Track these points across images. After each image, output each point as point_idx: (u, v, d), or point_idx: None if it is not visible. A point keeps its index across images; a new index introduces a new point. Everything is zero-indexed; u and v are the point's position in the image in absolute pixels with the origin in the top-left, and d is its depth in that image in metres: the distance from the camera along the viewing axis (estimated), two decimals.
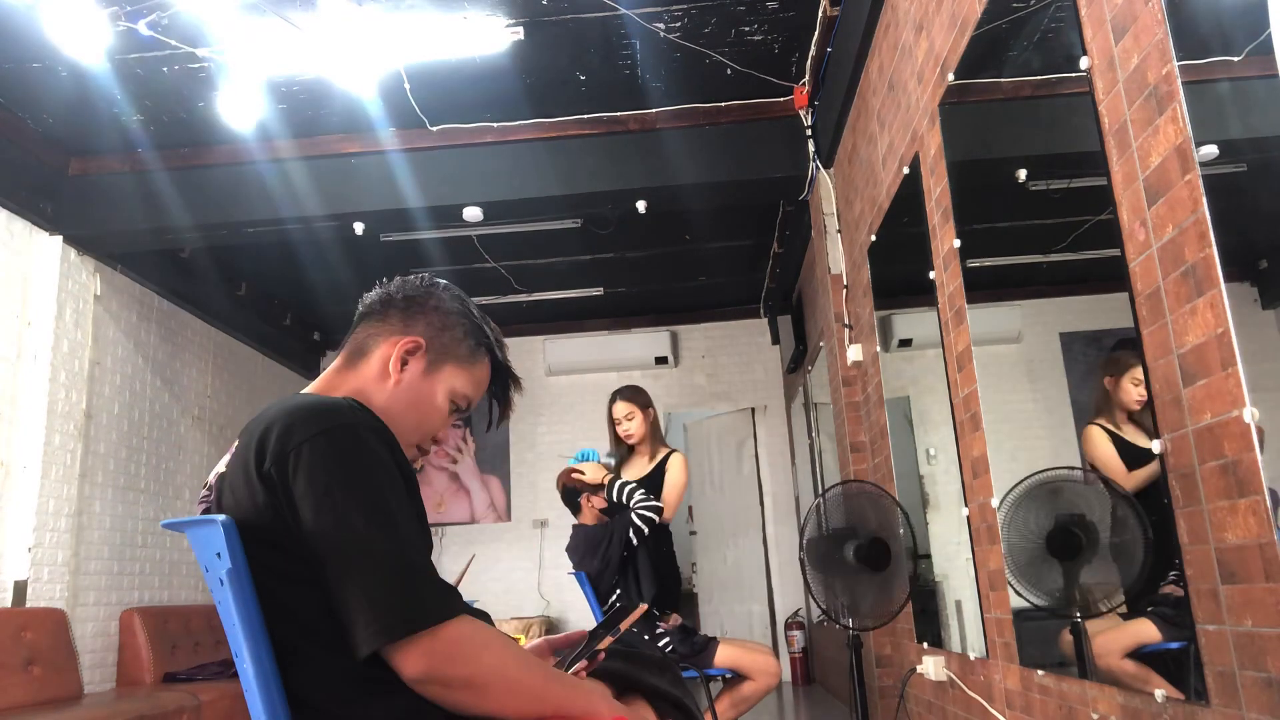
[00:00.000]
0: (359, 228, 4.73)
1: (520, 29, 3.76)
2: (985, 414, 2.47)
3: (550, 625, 6.88)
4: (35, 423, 4.37)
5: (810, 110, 4.47)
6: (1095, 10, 1.74)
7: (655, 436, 3.66)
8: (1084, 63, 1.79)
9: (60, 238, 4.59)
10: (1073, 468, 1.97)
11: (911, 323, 3.32)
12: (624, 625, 1.29)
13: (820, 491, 2.89)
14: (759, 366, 7.54)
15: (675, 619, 3.31)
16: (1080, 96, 1.81)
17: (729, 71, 4.20)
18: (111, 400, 4.99)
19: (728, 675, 3.29)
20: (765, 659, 3.20)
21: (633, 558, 3.37)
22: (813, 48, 4.06)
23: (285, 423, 1.07)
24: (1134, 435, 1.77)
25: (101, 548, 4.82)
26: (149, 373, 5.36)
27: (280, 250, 5.49)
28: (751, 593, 7.14)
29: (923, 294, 2.92)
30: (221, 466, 1.17)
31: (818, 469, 5.90)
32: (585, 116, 4.56)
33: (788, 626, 6.80)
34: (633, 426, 3.60)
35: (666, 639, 3.23)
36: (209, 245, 5.18)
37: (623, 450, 3.68)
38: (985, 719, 2.64)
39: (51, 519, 4.40)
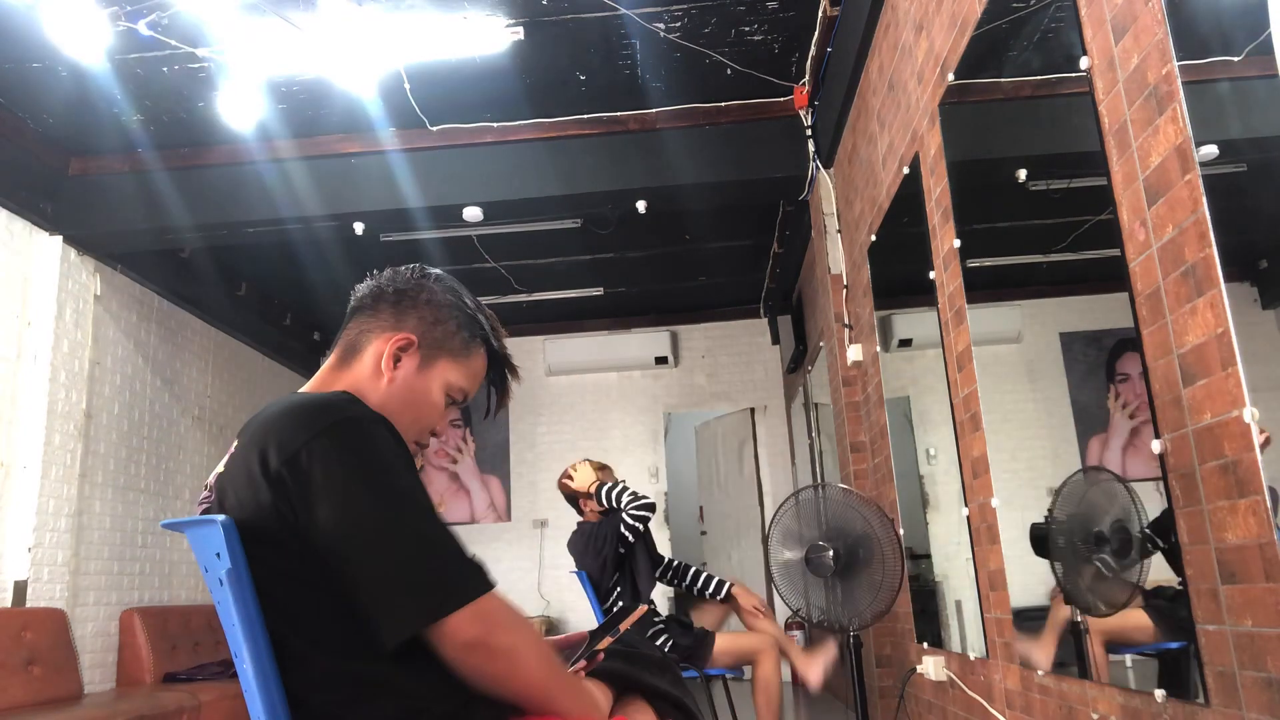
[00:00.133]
0: (359, 228, 4.73)
1: (520, 29, 3.76)
2: (985, 414, 2.47)
3: (550, 625, 6.88)
4: (35, 423, 4.37)
5: (810, 110, 4.46)
6: (1095, 10, 1.74)
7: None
8: (1084, 63, 1.79)
9: (60, 238, 4.59)
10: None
11: (911, 323, 3.32)
12: (624, 626, 1.29)
13: (779, 505, 2.91)
14: (759, 366, 7.54)
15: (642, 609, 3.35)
16: (1080, 96, 1.81)
17: (729, 71, 4.20)
18: (111, 400, 4.99)
19: (729, 675, 3.31)
20: (757, 637, 3.26)
21: (629, 557, 3.39)
22: (813, 48, 4.06)
23: (288, 422, 1.07)
24: None
25: (101, 548, 4.81)
26: (149, 373, 5.36)
27: (280, 250, 5.49)
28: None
29: (923, 294, 2.92)
30: (220, 467, 1.17)
31: (818, 469, 5.90)
32: (585, 116, 4.56)
33: (788, 626, 6.80)
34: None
35: (666, 634, 3.25)
36: (209, 245, 5.18)
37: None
38: (985, 719, 2.64)
39: (51, 519, 4.40)
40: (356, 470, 1.04)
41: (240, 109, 4.17)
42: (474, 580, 1.06)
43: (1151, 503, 1.68)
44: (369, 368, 1.25)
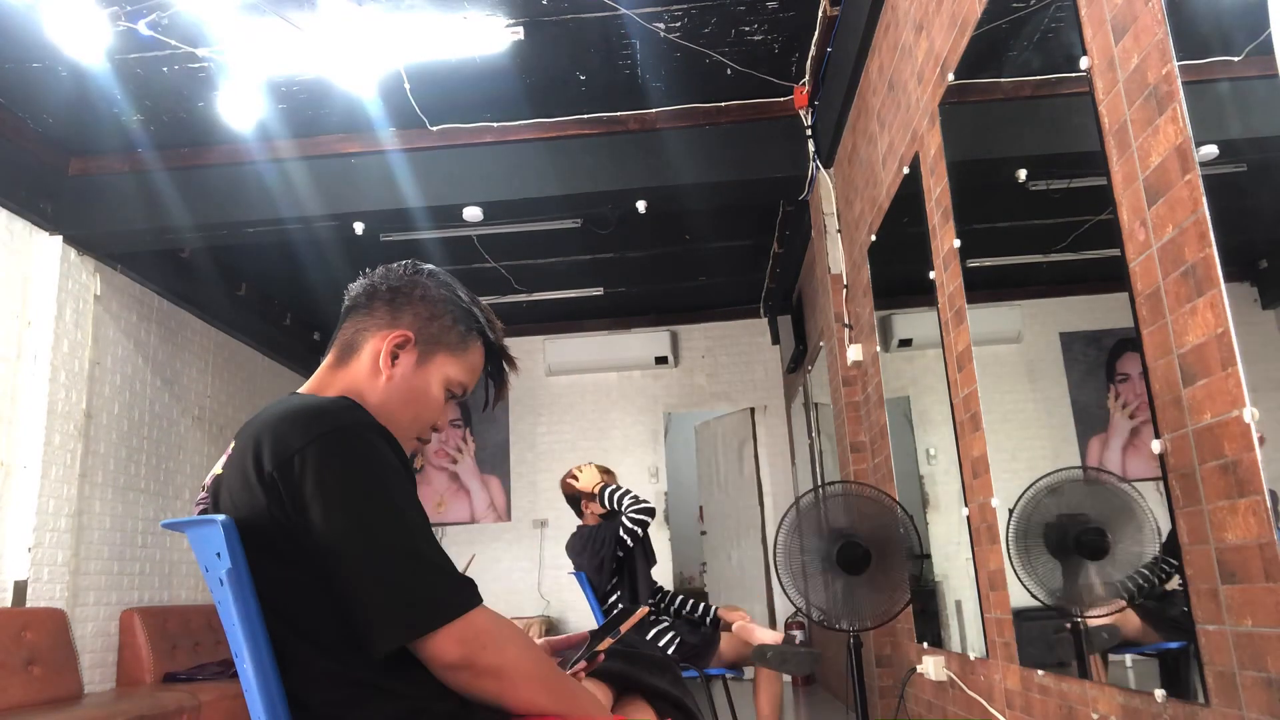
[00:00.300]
0: (359, 228, 4.73)
1: (520, 29, 3.76)
2: (985, 414, 2.47)
3: (550, 625, 6.88)
4: (35, 423, 4.37)
5: (810, 110, 4.47)
6: (1095, 10, 1.74)
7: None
8: (1084, 63, 1.79)
9: (60, 238, 4.59)
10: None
11: (911, 323, 3.32)
12: (624, 628, 1.30)
13: (795, 499, 2.89)
14: (759, 366, 7.54)
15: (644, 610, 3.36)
16: (1080, 96, 1.81)
17: (729, 71, 4.20)
18: (111, 400, 4.99)
19: (729, 675, 3.31)
20: (758, 636, 3.27)
21: (628, 560, 3.41)
22: (813, 48, 4.06)
23: (284, 426, 1.07)
24: None
25: (101, 548, 4.81)
26: (149, 373, 5.36)
27: (280, 250, 5.48)
28: (752, 592, 7.15)
29: (923, 294, 2.92)
30: (218, 469, 1.17)
31: (818, 469, 5.90)
32: (585, 116, 4.56)
33: (788, 626, 6.81)
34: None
35: (672, 632, 3.26)
36: (209, 245, 5.18)
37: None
38: (985, 719, 2.64)
39: (51, 519, 4.40)
40: (346, 480, 1.04)
41: (240, 109, 4.17)
42: (457, 598, 1.04)
43: (1152, 502, 1.68)
44: (367, 366, 1.25)
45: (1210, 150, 1.41)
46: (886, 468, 3.68)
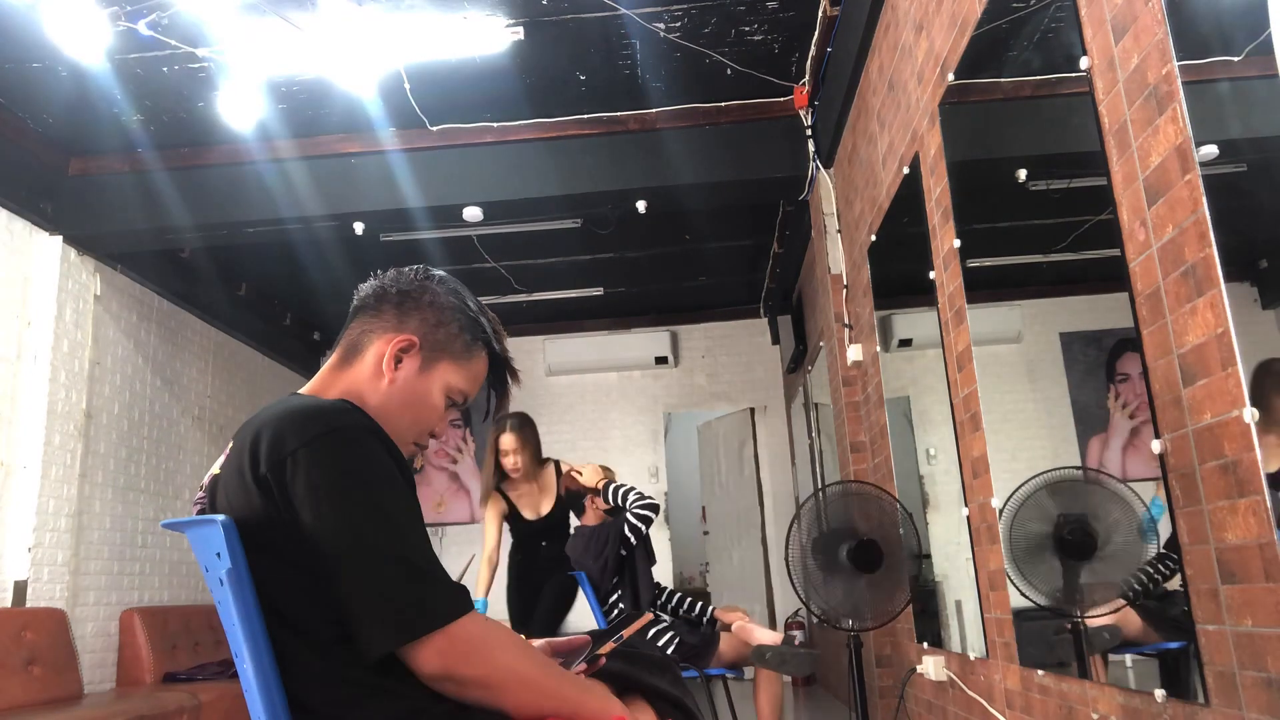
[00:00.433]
0: (359, 228, 4.73)
1: (520, 29, 3.76)
2: (985, 414, 2.47)
3: None
4: (35, 423, 4.37)
5: (810, 110, 4.47)
6: (1095, 10, 1.74)
7: (535, 464, 3.84)
8: (1084, 63, 1.79)
9: (60, 238, 4.59)
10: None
11: (911, 323, 3.32)
12: (627, 633, 1.30)
13: (818, 488, 2.89)
14: (759, 366, 7.54)
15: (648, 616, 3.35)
16: (1080, 96, 1.81)
17: (729, 71, 4.20)
18: (111, 400, 4.99)
19: (729, 675, 3.31)
20: (757, 636, 3.27)
21: (630, 559, 3.40)
22: (813, 48, 4.06)
23: (280, 427, 1.07)
24: None
25: (101, 548, 4.82)
26: (149, 373, 5.36)
27: (280, 250, 5.49)
28: (753, 592, 7.15)
29: (923, 294, 2.92)
30: (215, 469, 1.17)
31: (818, 469, 5.90)
32: (585, 116, 4.56)
33: (788, 626, 6.81)
34: (521, 460, 3.75)
35: (672, 631, 3.25)
36: (209, 245, 5.18)
37: (496, 479, 3.81)
38: (985, 719, 2.64)
39: (51, 519, 4.40)
40: (337, 483, 1.04)
41: (240, 109, 4.17)
42: (441, 607, 1.03)
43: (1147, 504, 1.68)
44: (370, 368, 1.25)
45: (1210, 150, 1.41)
46: (886, 468, 3.68)
